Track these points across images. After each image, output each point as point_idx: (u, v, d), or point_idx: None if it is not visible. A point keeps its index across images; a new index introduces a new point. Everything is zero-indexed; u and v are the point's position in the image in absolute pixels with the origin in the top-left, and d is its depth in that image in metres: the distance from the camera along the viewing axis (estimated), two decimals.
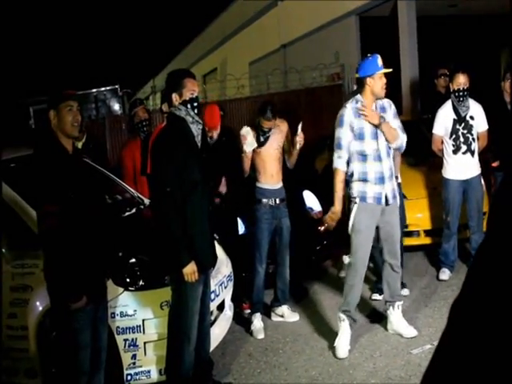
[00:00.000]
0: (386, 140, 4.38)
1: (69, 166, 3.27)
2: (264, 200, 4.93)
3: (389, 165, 4.41)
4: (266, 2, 16.37)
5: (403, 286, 5.30)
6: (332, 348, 4.43)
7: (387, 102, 4.52)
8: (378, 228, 4.49)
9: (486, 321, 0.83)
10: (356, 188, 4.41)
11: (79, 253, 3.22)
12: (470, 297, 0.87)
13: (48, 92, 3.47)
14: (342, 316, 4.41)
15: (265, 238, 4.94)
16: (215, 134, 5.20)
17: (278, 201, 4.98)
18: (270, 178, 4.96)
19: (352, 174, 4.43)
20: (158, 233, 3.71)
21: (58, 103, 3.29)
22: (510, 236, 0.82)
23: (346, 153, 4.37)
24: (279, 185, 5.01)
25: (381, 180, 4.36)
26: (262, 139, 4.91)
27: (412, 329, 4.53)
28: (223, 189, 5.41)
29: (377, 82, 4.33)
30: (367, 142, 4.34)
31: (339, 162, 4.39)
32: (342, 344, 4.34)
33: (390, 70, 4.39)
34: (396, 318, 4.58)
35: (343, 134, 4.37)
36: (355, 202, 4.39)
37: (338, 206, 4.40)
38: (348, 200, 4.56)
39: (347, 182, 4.49)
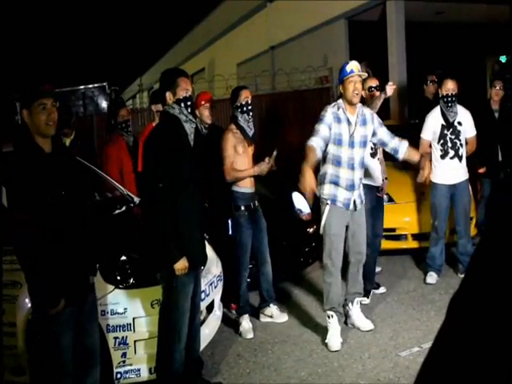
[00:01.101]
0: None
1: (45, 167, 3.08)
2: (245, 205, 4.92)
3: (360, 174, 4.53)
4: (255, 4, 16.39)
5: (378, 285, 5.50)
6: (321, 349, 4.46)
7: (369, 115, 4.57)
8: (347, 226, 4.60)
9: (484, 317, 0.84)
10: (327, 190, 4.50)
11: (57, 257, 3.09)
12: (468, 293, 0.88)
13: (21, 89, 3.25)
14: (329, 313, 4.53)
15: (248, 243, 4.95)
16: (207, 112, 5.12)
17: (256, 203, 5.00)
18: (249, 181, 4.95)
19: (324, 176, 4.50)
20: (148, 230, 3.70)
21: (30, 102, 3.07)
22: (507, 236, 0.84)
23: (320, 139, 4.31)
24: (254, 187, 5.02)
25: (351, 187, 4.48)
26: (250, 133, 4.90)
27: (369, 322, 4.74)
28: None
29: (346, 88, 4.41)
30: (344, 148, 4.42)
31: (310, 141, 4.28)
32: (334, 337, 4.46)
33: (357, 73, 4.41)
34: (354, 311, 4.76)
35: (321, 128, 4.37)
36: (326, 203, 4.46)
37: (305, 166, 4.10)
38: (318, 201, 4.60)
39: (319, 183, 4.52)
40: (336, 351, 4.37)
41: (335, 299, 4.55)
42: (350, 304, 4.77)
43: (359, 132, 4.47)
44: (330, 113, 4.44)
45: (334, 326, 4.51)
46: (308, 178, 3.98)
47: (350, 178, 4.46)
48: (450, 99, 5.69)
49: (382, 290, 5.55)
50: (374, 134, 4.58)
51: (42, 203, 3.02)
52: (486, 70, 14.83)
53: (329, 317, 4.53)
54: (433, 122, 5.80)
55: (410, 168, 6.88)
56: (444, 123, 5.75)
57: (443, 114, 5.76)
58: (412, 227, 6.44)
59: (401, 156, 4.66)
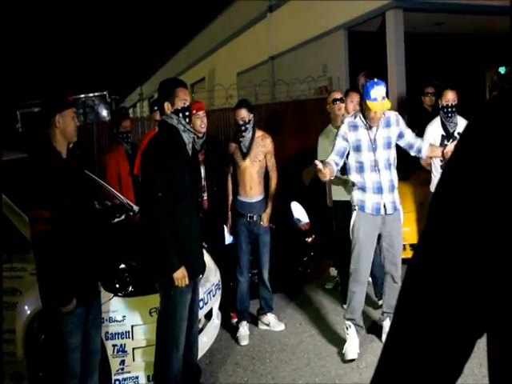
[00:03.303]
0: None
1: (63, 170, 3.29)
2: (243, 214, 5.03)
3: (388, 176, 4.46)
4: (256, 14, 16.48)
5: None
6: (319, 358, 4.48)
7: (394, 116, 4.54)
8: (379, 237, 4.55)
9: (419, 310, 0.86)
10: (355, 196, 4.49)
11: (70, 257, 3.24)
12: (407, 289, 0.90)
13: (48, 96, 3.47)
14: (348, 323, 4.47)
15: (243, 250, 5.03)
16: (199, 122, 5.10)
17: (255, 217, 5.02)
18: (249, 191, 5.01)
19: (353, 184, 4.53)
20: (147, 238, 3.73)
21: (64, 108, 3.34)
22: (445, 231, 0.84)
23: (336, 156, 4.42)
24: (258, 198, 5.06)
25: (379, 190, 4.42)
26: (244, 150, 4.98)
27: None
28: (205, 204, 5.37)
29: (367, 109, 4.38)
30: (364, 153, 4.42)
31: (328, 158, 4.45)
32: (352, 347, 4.40)
33: (380, 102, 4.33)
34: None
35: (337, 143, 4.48)
36: (355, 209, 4.47)
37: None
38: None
39: (349, 192, 4.62)
40: (352, 360, 4.33)
41: (357, 310, 4.47)
42: (387, 319, 4.64)
43: (382, 134, 4.44)
44: (345, 124, 4.49)
45: (351, 336, 4.44)
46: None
47: (377, 180, 4.42)
48: (449, 110, 5.71)
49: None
50: (401, 136, 4.53)
51: (61, 206, 3.20)
52: (486, 80, 14.90)
53: (347, 327, 4.46)
54: (433, 133, 5.82)
55: (407, 179, 6.93)
56: (444, 134, 5.77)
57: (443, 125, 5.79)
58: (411, 237, 6.45)
59: (424, 154, 4.66)
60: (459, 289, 0.81)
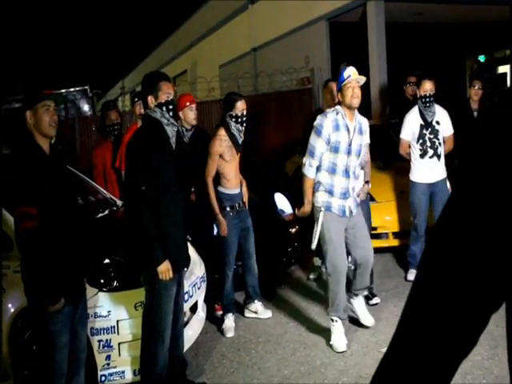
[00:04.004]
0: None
1: (46, 166, 3.26)
2: (231, 206, 5.00)
3: (354, 183, 4.55)
4: (237, 5, 16.44)
5: (372, 295, 5.35)
6: (304, 348, 4.53)
7: (366, 126, 4.62)
8: (345, 230, 4.59)
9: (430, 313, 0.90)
10: (321, 198, 4.50)
11: (57, 254, 3.22)
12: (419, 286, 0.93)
13: (23, 91, 3.43)
14: (334, 318, 4.51)
15: (234, 242, 5.02)
16: (192, 114, 5.19)
17: (241, 203, 5.07)
18: (235, 183, 5.04)
19: (319, 185, 4.52)
20: (131, 232, 3.73)
21: (34, 103, 3.26)
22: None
23: (318, 162, 4.49)
24: (239, 187, 5.12)
25: (344, 195, 4.49)
26: (240, 142, 4.97)
27: (371, 318, 4.76)
28: (192, 197, 5.39)
29: (344, 94, 4.41)
30: (340, 155, 4.43)
31: (310, 171, 4.50)
32: (338, 339, 4.46)
33: (355, 78, 4.38)
34: (358, 304, 4.78)
35: (318, 145, 4.44)
36: (321, 210, 4.48)
37: (307, 207, 4.60)
38: (313, 208, 4.60)
39: (313, 190, 4.58)
40: (342, 352, 4.37)
41: (341, 306, 4.51)
42: (354, 297, 4.77)
43: (356, 140, 4.46)
44: (329, 120, 4.40)
45: (338, 329, 4.49)
46: (305, 214, 4.66)
47: (345, 186, 4.46)
48: (427, 99, 5.77)
49: (375, 300, 5.37)
50: None
51: (46, 202, 3.15)
52: (466, 69, 15.02)
53: (333, 320, 4.51)
54: (411, 122, 5.88)
55: (389, 168, 7.00)
56: (422, 123, 5.83)
57: (421, 114, 5.84)
58: (393, 225, 6.53)
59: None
60: (478, 263, 0.84)
